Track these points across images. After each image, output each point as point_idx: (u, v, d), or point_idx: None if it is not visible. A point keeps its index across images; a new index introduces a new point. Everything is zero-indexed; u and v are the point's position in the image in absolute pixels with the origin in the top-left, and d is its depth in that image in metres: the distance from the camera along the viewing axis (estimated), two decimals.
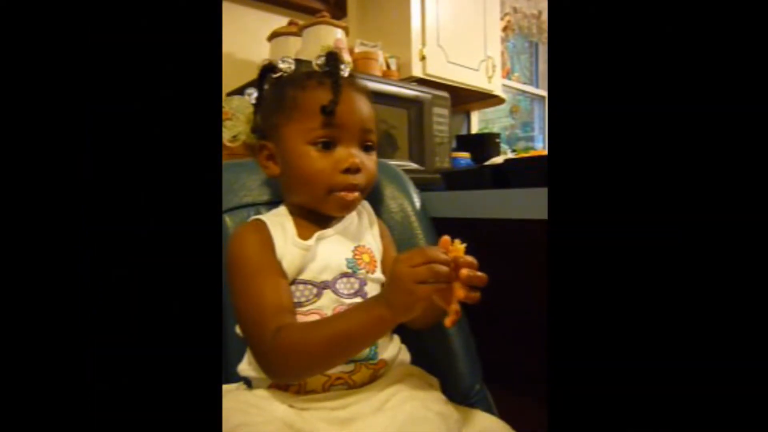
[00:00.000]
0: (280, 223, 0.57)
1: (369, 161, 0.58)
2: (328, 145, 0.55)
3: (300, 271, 0.54)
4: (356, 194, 0.56)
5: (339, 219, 0.60)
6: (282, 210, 0.60)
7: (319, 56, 0.58)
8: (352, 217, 0.62)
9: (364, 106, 0.58)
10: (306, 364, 0.48)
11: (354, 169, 0.55)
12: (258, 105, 0.63)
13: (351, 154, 0.55)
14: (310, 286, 0.53)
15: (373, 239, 0.62)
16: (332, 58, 0.57)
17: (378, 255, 0.61)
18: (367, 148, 0.58)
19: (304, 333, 0.48)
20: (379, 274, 0.59)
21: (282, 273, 0.53)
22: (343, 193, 0.55)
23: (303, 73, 0.59)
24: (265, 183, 0.68)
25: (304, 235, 0.56)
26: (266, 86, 0.62)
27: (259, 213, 0.63)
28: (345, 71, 0.58)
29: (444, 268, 0.43)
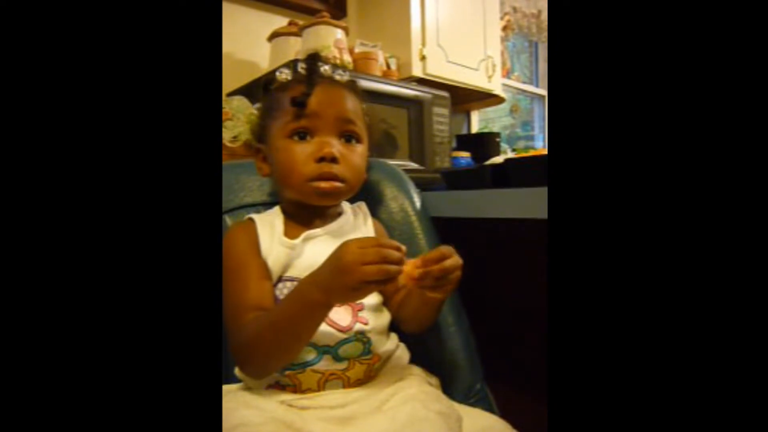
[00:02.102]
0: (269, 221, 0.58)
1: (350, 152, 0.58)
2: (303, 136, 0.57)
3: (286, 269, 0.55)
4: (334, 183, 0.56)
5: (332, 219, 0.61)
6: (275, 209, 0.61)
7: (303, 60, 0.60)
8: (346, 218, 0.62)
9: (341, 97, 0.59)
10: (263, 353, 0.49)
11: (329, 158, 0.56)
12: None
13: (325, 143, 0.56)
14: (297, 284, 0.53)
15: None
16: (311, 57, 0.59)
17: None
18: (348, 139, 0.59)
19: (258, 322, 0.49)
20: None
21: (265, 273, 0.54)
22: (318, 182, 0.56)
23: (291, 79, 0.60)
24: (264, 184, 0.68)
25: (293, 234, 0.56)
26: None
27: (258, 213, 0.63)
28: (339, 71, 0.60)
29: (394, 253, 0.43)
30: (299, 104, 0.55)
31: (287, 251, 0.55)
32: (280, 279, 0.55)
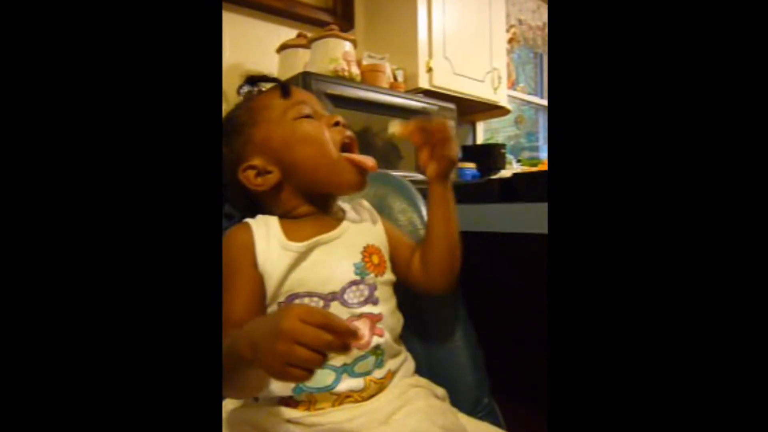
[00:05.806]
0: (264, 222, 0.53)
1: None
2: (309, 116, 0.56)
3: (295, 279, 0.51)
4: (369, 158, 0.55)
5: (337, 223, 0.57)
6: (265, 215, 0.56)
7: (242, 85, 0.62)
8: (352, 218, 0.59)
9: None
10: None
11: (342, 123, 0.56)
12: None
13: (332, 117, 0.57)
14: (315, 299, 0.51)
15: (379, 237, 0.59)
16: (253, 78, 0.61)
17: (386, 254, 0.58)
18: None
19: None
20: (389, 275, 0.57)
21: (255, 284, 0.50)
22: (350, 155, 0.55)
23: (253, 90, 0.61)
24: None
25: (297, 237, 0.52)
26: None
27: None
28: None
29: (334, 341, 0.35)
30: (286, 89, 0.56)
31: (291, 255, 0.50)
32: (296, 295, 0.51)
